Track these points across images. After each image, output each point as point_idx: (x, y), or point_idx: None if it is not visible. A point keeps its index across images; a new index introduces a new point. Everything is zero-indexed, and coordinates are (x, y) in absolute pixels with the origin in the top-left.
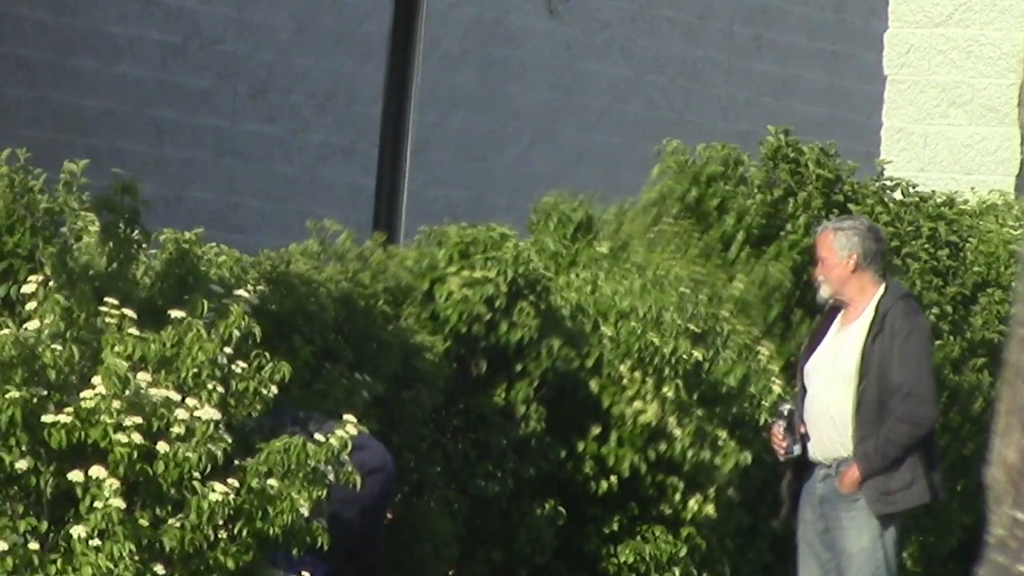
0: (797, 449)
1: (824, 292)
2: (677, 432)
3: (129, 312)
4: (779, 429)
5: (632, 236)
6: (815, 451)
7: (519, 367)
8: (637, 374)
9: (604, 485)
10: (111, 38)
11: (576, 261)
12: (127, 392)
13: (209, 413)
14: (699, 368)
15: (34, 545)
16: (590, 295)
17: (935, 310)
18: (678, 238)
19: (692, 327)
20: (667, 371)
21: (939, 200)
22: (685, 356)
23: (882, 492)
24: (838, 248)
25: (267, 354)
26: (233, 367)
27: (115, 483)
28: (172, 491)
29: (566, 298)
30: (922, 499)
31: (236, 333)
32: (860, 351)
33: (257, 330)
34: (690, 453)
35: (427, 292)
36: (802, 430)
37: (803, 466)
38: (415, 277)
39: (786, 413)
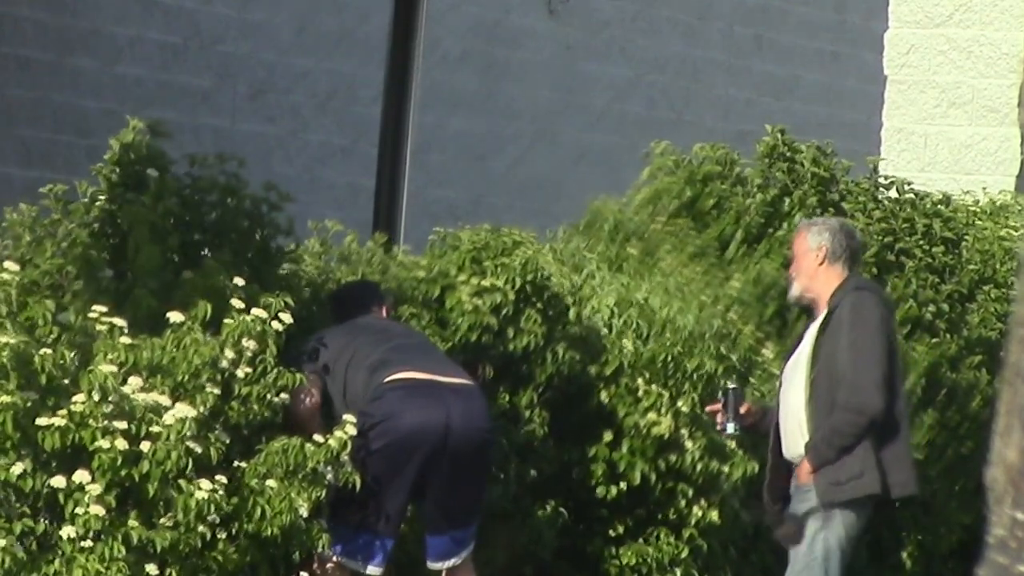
0: (731, 427)
1: (794, 290)
2: (688, 444)
3: (119, 321)
4: (718, 405)
5: (630, 235)
6: (785, 449)
7: (525, 372)
8: (654, 387)
9: (613, 491)
10: (111, 38)
11: (623, 267)
12: (110, 399)
13: (183, 411)
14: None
15: (33, 546)
16: (625, 301)
17: (931, 307)
18: (674, 237)
19: (731, 356)
20: (686, 385)
21: (935, 198)
22: (713, 374)
23: (831, 482)
24: (809, 243)
25: (272, 361)
26: (236, 372)
27: (97, 489)
28: (159, 491)
29: (603, 304)
30: (872, 489)
31: (246, 343)
32: (812, 344)
33: (273, 344)
34: (699, 465)
35: (437, 298)
36: (743, 410)
37: (779, 468)
38: (427, 282)
39: (728, 391)
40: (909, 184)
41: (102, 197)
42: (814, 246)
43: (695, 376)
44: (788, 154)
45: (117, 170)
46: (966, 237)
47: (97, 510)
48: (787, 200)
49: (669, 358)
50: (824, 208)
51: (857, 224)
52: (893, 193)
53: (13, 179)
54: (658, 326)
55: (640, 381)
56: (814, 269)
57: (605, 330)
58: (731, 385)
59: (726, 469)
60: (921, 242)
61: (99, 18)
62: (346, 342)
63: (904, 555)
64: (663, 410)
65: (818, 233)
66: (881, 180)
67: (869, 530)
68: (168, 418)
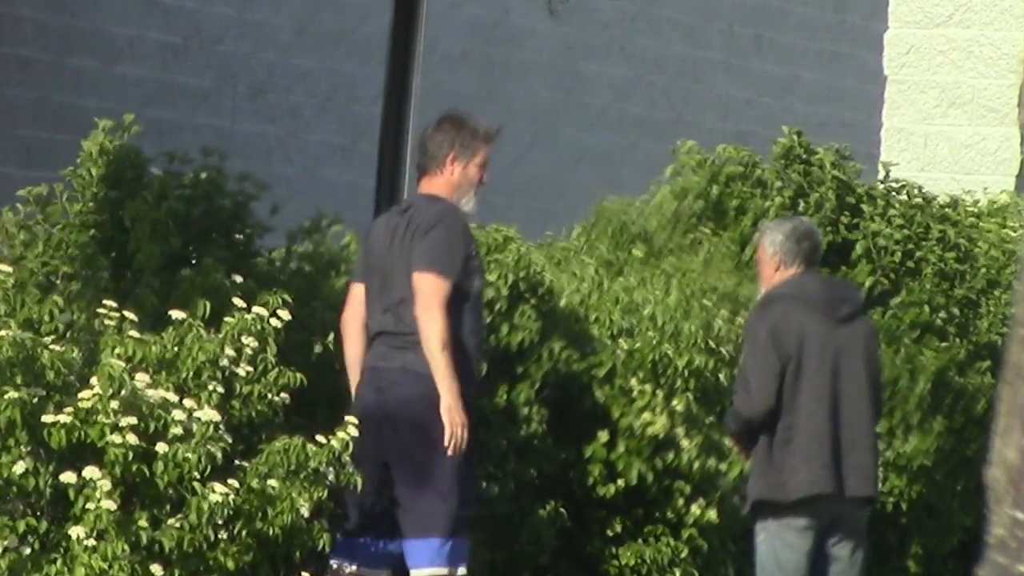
0: None
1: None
2: (685, 443)
3: (129, 315)
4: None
5: (652, 234)
6: None
7: (520, 369)
8: (648, 386)
9: (612, 489)
10: (111, 38)
11: (623, 271)
12: (123, 393)
13: (209, 414)
14: (719, 386)
15: (36, 545)
16: (622, 303)
17: (942, 313)
18: (697, 236)
19: (721, 349)
20: (679, 383)
21: (943, 202)
22: (707, 373)
23: (745, 491)
24: (768, 248)
25: (272, 359)
26: (237, 370)
27: (107, 484)
28: (170, 491)
29: (603, 317)
30: (754, 496)
31: (247, 340)
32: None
33: (272, 341)
34: (696, 464)
35: None
36: None
37: None
38: None
39: None
40: (919, 188)
41: (79, 199)
42: (770, 252)
43: (686, 373)
44: (804, 156)
45: (91, 171)
46: (979, 244)
47: (108, 504)
48: (802, 202)
49: (657, 357)
50: (842, 211)
51: (880, 229)
52: (903, 197)
53: (13, 179)
54: (643, 323)
55: (634, 381)
56: (771, 274)
57: (595, 329)
58: None
59: (724, 468)
60: (935, 248)
61: (99, 18)
62: (366, 261)
63: (908, 556)
64: (657, 410)
65: (772, 237)
66: (892, 184)
67: (872, 531)
68: (179, 414)
